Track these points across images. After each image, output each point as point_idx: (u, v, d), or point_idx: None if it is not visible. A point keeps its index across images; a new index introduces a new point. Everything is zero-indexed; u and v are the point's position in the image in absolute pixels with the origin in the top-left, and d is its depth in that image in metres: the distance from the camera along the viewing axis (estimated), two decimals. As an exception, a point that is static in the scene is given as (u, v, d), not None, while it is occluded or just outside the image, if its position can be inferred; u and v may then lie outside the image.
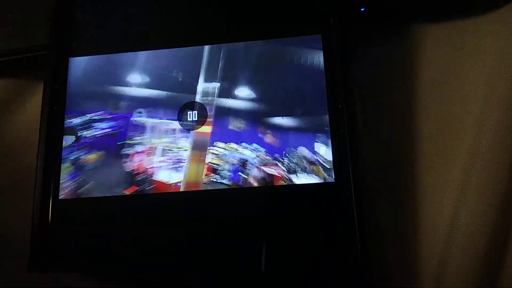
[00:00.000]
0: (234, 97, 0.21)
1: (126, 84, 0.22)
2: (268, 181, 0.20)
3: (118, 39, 0.23)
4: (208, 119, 0.21)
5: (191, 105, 0.21)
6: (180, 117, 0.21)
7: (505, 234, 0.21)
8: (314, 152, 0.20)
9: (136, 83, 0.22)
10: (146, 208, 0.21)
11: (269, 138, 0.20)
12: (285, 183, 0.20)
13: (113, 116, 0.22)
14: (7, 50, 0.28)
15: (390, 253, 0.22)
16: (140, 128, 0.21)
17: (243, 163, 0.20)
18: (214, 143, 0.21)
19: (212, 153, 0.20)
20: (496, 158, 0.21)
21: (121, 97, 0.22)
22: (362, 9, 0.24)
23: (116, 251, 0.21)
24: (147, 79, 0.22)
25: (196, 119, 0.21)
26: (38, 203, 0.21)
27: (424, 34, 0.26)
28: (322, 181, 0.19)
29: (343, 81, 0.20)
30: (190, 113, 0.21)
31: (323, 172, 0.19)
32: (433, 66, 0.25)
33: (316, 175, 0.19)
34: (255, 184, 0.20)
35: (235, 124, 0.20)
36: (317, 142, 0.20)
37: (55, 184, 0.22)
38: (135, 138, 0.21)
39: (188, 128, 0.21)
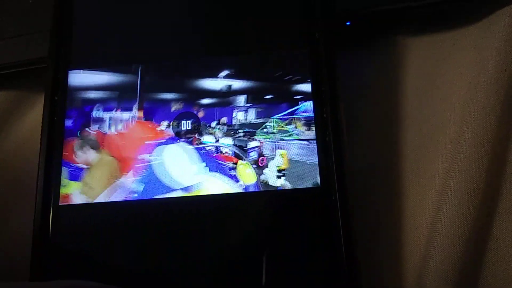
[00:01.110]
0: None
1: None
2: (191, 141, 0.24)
3: (118, 53, 0.24)
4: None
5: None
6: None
7: (482, 236, 0.23)
8: (232, 119, 0.24)
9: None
10: (150, 214, 0.22)
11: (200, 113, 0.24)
12: (198, 143, 0.23)
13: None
14: (7, 63, 0.28)
15: (375, 254, 0.23)
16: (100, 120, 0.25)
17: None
18: (161, 122, 0.24)
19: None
20: (473, 165, 0.22)
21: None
22: (348, 23, 0.25)
23: (121, 260, 0.21)
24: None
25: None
26: (39, 210, 0.22)
27: (407, 46, 0.27)
28: (214, 140, 0.23)
29: (329, 92, 0.21)
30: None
31: (218, 132, 0.24)
32: (415, 77, 0.26)
33: (211, 135, 0.24)
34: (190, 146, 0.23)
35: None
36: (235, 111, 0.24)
37: (56, 192, 0.22)
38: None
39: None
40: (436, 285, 0.21)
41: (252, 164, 0.23)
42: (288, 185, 0.21)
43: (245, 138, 0.24)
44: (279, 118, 0.23)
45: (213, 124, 0.24)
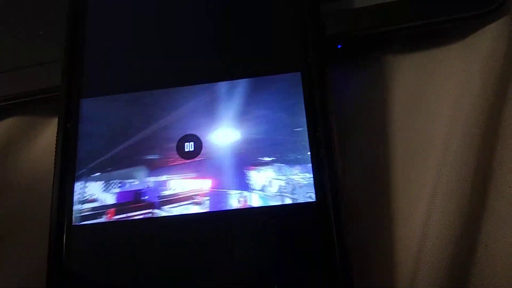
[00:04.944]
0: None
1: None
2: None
3: (129, 80, 0.25)
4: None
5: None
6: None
7: (471, 242, 0.24)
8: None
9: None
10: (172, 232, 0.21)
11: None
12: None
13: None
14: (21, 92, 0.30)
15: (369, 260, 0.24)
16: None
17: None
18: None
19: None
20: (460, 174, 0.24)
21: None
22: (339, 46, 0.27)
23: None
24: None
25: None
26: (54, 230, 0.22)
27: (397, 63, 0.28)
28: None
29: (321, 112, 0.22)
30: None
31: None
32: (405, 93, 0.27)
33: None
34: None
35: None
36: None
37: (69, 211, 0.23)
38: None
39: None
40: (427, 286, 0.22)
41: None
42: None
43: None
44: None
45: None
